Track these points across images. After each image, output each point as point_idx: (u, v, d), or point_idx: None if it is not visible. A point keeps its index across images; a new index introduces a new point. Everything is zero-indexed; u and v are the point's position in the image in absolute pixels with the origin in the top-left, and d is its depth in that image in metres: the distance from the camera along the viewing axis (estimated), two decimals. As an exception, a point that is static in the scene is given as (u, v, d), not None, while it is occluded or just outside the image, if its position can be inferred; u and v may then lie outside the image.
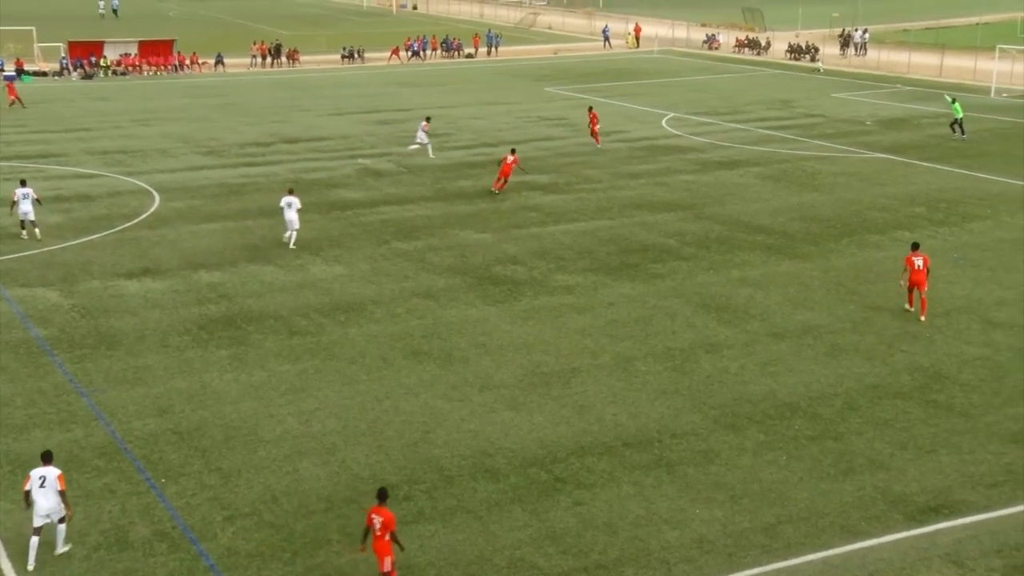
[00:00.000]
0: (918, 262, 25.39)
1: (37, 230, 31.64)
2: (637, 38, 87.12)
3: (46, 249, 30.69)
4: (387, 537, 14.79)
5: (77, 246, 31.16)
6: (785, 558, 15.85)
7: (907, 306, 25.82)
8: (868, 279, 28.30)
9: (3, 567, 15.58)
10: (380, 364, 22.83)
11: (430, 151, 43.41)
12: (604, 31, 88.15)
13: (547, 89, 63.45)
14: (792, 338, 24.32)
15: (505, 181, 37.65)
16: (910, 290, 25.67)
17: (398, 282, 28.12)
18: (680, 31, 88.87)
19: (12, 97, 54.86)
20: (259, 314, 25.69)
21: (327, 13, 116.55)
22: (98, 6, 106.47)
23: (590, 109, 47.55)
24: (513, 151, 38.45)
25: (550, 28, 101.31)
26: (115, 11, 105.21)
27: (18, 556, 15.76)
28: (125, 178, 39.77)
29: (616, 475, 18.21)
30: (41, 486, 15.56)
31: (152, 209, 35.39)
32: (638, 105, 57.52)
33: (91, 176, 40.13)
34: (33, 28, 73.05)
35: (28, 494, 15.66)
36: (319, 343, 23.95)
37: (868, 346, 23.86)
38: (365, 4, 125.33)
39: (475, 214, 34.96)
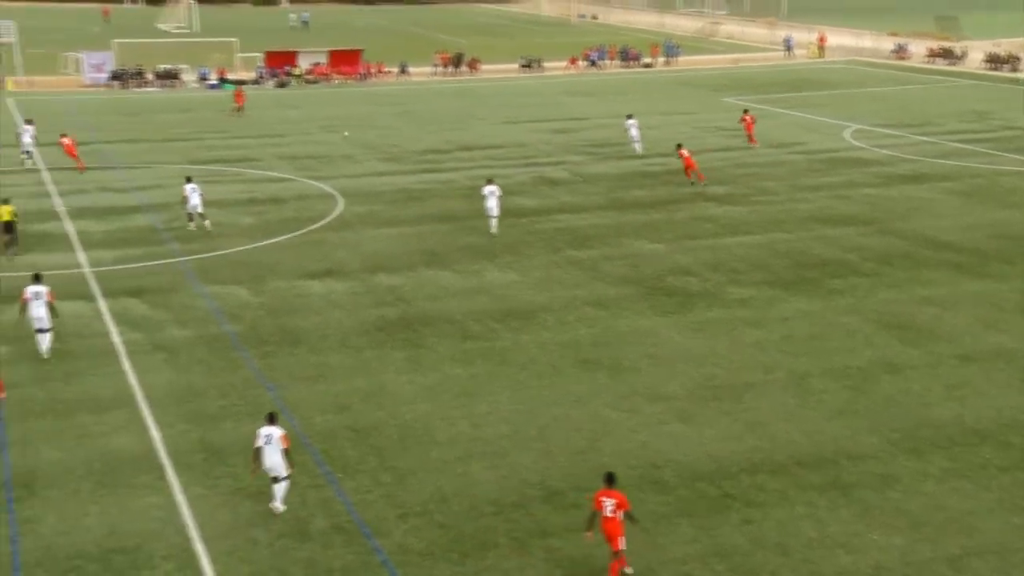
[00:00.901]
0: None
1: (207, 222, 33.95)
2: (821, 48, 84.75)
3: (239, 248, 32.39)
4: (620, 517, 15.31)
5: (267, 247, 32.76)
6: (969, 592, 15.11)
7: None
8: (1068, 302, 26.61)
9: (197, 549, 16.56)
10: (550, 371, 23.03)
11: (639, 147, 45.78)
12: (786, 40, 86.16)
13: (725, 100, 62.46)
14: (982, 361, 23.12)
15: (696, 171, 39.30)
16: None
17: (570, 290, 28.29)
18: (866, 41, 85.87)
19: (239, 104, 58.04)
20: (434, 318, 26.35)
21: (506, 23, 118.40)
22: (288, 18, 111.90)
23: (745, 112, 48.18)
24: (679, 146, 40.49)
25: (730, 38, 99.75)
26: (306, 23, 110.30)
27: (212, 540, 16.70)
28: (312, 182, 41.54)
29: (788, 495, 17.77)
30: (267, 443, 17.25)
31: (336, 213, 36.83)
32: (820, 116, 55.90)
33: (282, 180, 42.09)
34: (236, 39, 77.15)
35: (258, 451, 17.28)
36: (492, 348, 24.35)
37: (1067, 373, 22.43)
38: (544, 14, 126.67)
39: (649, 224, 34.79)
